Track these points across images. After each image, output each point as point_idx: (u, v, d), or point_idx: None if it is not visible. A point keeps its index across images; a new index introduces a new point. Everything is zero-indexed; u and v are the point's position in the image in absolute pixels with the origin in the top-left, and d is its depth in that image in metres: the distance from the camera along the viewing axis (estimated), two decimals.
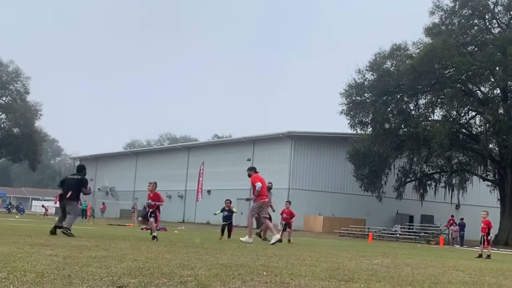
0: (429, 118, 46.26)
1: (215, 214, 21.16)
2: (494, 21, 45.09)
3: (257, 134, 59.18)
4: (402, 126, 47.61)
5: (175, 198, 66.28)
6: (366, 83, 47.26)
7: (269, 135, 56.89)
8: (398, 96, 47.25)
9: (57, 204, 16.36)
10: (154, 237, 15.52)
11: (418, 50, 45.04)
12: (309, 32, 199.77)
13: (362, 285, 6.98)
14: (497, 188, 47.44)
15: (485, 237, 19.11)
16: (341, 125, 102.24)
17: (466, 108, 46.68)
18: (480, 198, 55.97)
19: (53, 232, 15.11)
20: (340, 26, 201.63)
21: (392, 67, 46.64)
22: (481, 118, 46.02)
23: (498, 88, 44.32)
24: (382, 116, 46.27)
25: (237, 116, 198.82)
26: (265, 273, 7.54)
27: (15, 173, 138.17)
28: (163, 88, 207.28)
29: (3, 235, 13.38)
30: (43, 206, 68.46)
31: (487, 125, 44.32)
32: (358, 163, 47.70)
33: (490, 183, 49.71)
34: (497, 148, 45.31)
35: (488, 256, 18.65)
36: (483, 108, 43.45)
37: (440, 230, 45.61)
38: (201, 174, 54.41)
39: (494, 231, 24.35)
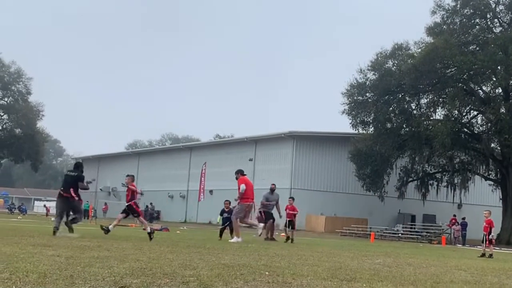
0: (431, 118, 46.25)
1: (218, 222, 21.29)
2: (496, 20, 45.06)
3: (259, 134, 59.23)
4: (404, 126, 47.60)
5: (177, 198, 66.33)
6: (368, 82, 47.27)
7: (271, 135, 56.90)
8: (400, 96, 47.25)
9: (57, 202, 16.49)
10: (149, 234, 15.21)
11: (419, 50, 45.03)
12: (310, 32, 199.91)
13: (364, 285, 6.98)
14: (499, 188, 47.42)
15: (486, 236, 19.10)
16: (343, 125, 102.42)
17: (468, 108, 46.67)
18: (482, 198, 55.94)
19: (55, 232, 15.14)
20: (342, 26, 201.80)
21: (394, 67, 46.64)
22: (483, 117, 46.01)
23: (499, 87, 44.29)
24: (384, 116, 46.27)
25: (239, 116, 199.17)
26: (267, 273, 7.54)
27: (17, 174, 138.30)
28: (165, 88, 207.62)
29: (6, 235, 13.39)
30: (45, 206, 68.52)
31: (489, 124, 44.30)
32: (360, 162, 47.69)
33: (492, 183, 49.72)
34: (499, 148, 45.30)
35: (490, 256, 18.64)
36: (484, 108, 43.43)
37: (442, 229, 45.57)
38: (203, 174, 54.40)
39: (496, 230, 24.34)
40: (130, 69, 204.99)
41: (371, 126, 47.78)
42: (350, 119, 47.65)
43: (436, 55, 41.52)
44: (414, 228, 48.03)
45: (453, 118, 44.46)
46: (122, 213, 16.34)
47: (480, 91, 46.26)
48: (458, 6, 44.13)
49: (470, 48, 44.73)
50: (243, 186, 17.17)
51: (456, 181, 48.86)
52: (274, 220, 21.37)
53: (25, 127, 72.62)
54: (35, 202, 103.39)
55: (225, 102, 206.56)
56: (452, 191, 49.05)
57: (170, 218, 62.53)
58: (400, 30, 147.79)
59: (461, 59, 41.03)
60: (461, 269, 11.03)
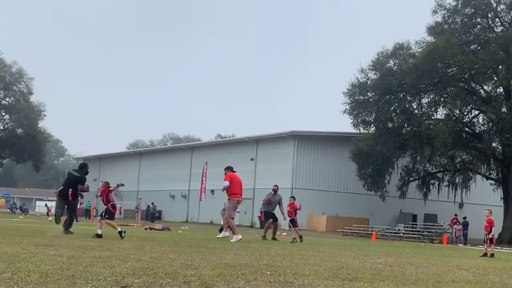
0: (432, 117, 46.25)
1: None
2: (497, 19, 45.02)
3: (260, 133, 59.26)
4: (405, 125, 47.60)
5: (178, 198, 66.36)
6: (369, 82, 47.26)
7: (272, 135, 56.91)
8: (401, 95, 47.25)
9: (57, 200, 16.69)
10: (119, 233, 14.42)
11: (421, 49, 45.01)
12: (311, 32, 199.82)
13: (365, 284, 6.98)
14: (500, 187, 47.40)
15: (487, 236, 19.10)
16: (344, 125, 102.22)
17: (469, 107, 46.64)
18: (484, 197, 55.95)
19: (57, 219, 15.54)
20: (342, 25, 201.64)
21: (395, 66, 46.64)
22: (484, 116, 45.97)
23: (501, 87, 44.24)
24: (385, 115, 46.27)
25: (240, 116, 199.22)
26: (268, 272, 7.55)
27: (19, 174, 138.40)
28: (166, 88, 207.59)
29: (8, 235, 13.41)
30: (46, 205, 68.57)
31: (490, 123, 44.26)
32: (361, 162, 47.69)
33: (493, 182, 49.70)
34: (500, 147, 45.29)
35: (492, 255, 18.63)
36: (486, 107, 43.40)
37: (444, 229, 45.56)
38: (204, 174, 54.42)
39: (497, 230, 24.33)
40: (131, 68, 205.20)
41: (372, 126, 47.79)
42: (351, 118, 47.70)
43: (437, 55, 41.50)
44: (416, 228, 47.99)
45: (454, 118, 44.42)
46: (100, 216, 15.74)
47: (481, 90, 46.22)
48: (459, 5, 44.10)
49: (471, 47, 44.71)
50: (226, 183, 17.21)
51: (457, 180, 48.85)
52: (276, 220, 21.35)
53: (27, 127, 72.71)
54: (37, 202, 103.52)
55: (226, 102, 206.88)
56: (454, 190, 49.05)
57: (171, 218, 62.58)
58: (401, 30, 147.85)
59: (462, 58, 41.01)
60: (462, 268, 11.03)
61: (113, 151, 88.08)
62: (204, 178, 54.87)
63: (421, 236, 43.74)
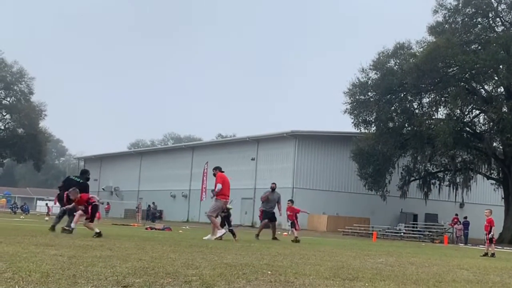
0: (433, 117, 46.24)
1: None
2: (498, 19, 45.01)
3: (261, 133, 59.28)
4: (406, 125, 47.62)
5: (179, 197, 66.38)
6: (370, 82, 47.29)
7: (273, 135, 56.91)
8: (402, 95, 47.25)
9: (65, 206, 16.43)
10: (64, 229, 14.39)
11: (421, 49, 45.03)
12: (311, 32, 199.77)
13: (366, 284, 6.98)
14: (501, 187, 47.39)
15: (487, 235, 19.10)
16: (345, 124, 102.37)
17: (470, 107, 46.65)
18: (484, 197, 55.92)
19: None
20: (342, 25, 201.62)
21: (396, 66, 46.66)
22: (485, 116, 45.95)
23: (502, 87, 44.26)
24: (386, 115, 46.27)
25: (241, 115, 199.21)
26: (269, 272, 7.55)
27: (20, 174, 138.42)
28: (167, 88, 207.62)
29: (8, 235, 13.41)
30: (46, 205, 68.56)
31: (491, 123, 44.26)
32: (362, 162, 47.69)
33: (494, 182, 49.68)
34: (501, 147, 45.29)
35: (493, 255, 18.63)
36: (487, 107, 43.40)
37: (444, 228, 45.56)
38: (205, 174, 54.40)
39: (498, 230, 24.32)
40: (132, 68, 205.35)
41: (373, 125, 47.81)
42: (352, 118, 47.74)
43: (438, 54, 41.50)
44: (416, 227, 48.00)
45: (455, 117, 44.42)
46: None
47: (482, 90, 46.22)
48: (460, 5, 44.10)
49: (472, 47, 44.71)
50: (219, 186, 17.08)
51: (458, 180, 48.87)
52: (275, 220, 21.26)
53: (28, 126, 72.70)
54: (38, 201, 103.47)
55: (226, 102, 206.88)
56: (454, 190, 49.06)
57: (172, 217, 62.59)
58: (402, 30, 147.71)
59: (463, 58, 41.00)
60: (463, 268, 11.03)
61: (114, 150, 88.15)
62: (205, 178, 54.85)
63: (422, 235, 43.75)
